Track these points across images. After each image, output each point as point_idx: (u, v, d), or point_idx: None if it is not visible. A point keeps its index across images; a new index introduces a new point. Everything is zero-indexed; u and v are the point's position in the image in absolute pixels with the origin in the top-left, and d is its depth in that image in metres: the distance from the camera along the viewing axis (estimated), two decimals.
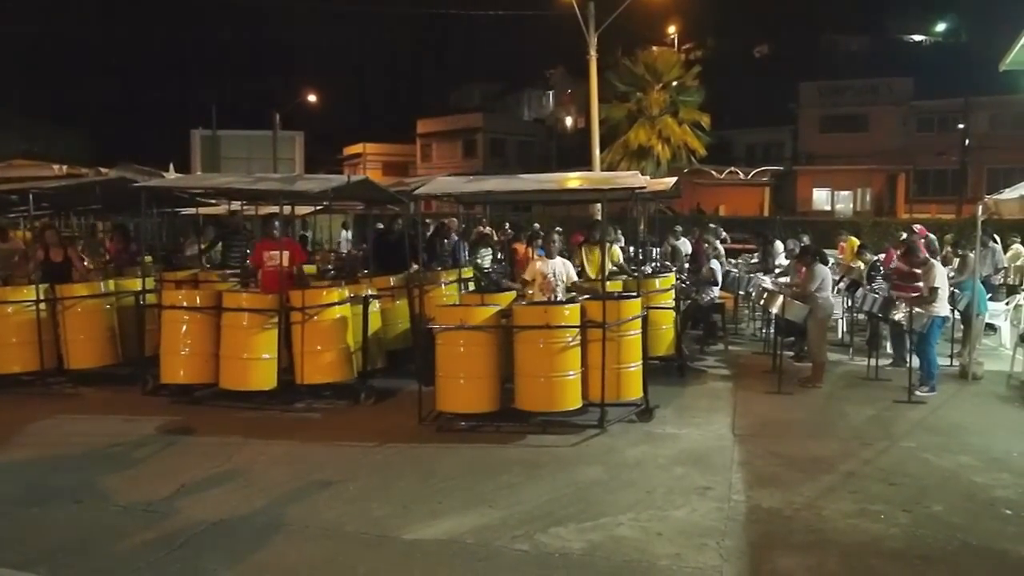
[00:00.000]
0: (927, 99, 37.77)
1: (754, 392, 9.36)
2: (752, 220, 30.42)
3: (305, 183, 9.86)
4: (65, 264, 10.30)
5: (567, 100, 53.29)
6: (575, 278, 9.31)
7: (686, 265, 13.76)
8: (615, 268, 11.12)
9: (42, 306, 9.40)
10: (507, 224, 19.08)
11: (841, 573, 4.85)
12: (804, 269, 10.19)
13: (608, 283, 8.67)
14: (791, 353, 10.98)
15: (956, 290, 10.71)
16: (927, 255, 9.84)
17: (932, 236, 14.29)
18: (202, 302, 8.87)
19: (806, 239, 12.51)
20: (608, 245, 10.85)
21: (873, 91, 39.86)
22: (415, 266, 10.18)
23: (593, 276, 10.18)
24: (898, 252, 11.41)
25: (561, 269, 9.13)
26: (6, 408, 8.62)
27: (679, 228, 16.77)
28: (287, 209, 10.75)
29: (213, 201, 13.06)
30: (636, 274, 9.84)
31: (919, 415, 8.35)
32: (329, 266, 15.09)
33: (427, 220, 17.28)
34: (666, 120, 30.14)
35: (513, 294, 9.24)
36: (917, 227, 11.55)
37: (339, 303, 8.84)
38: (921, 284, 9.69)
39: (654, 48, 31.70)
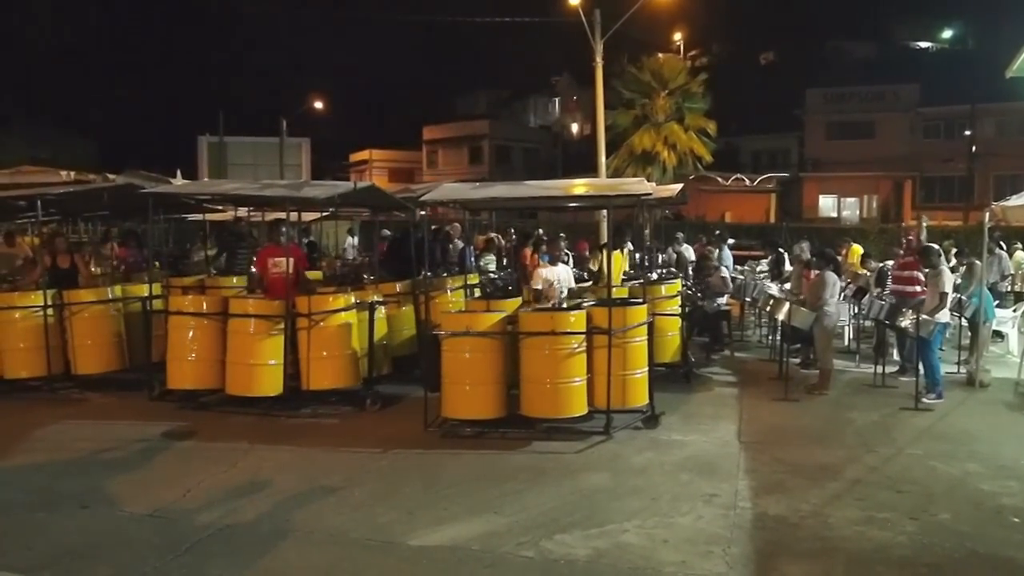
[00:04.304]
0: (933, 106, 37.77)
1: (760, 399, 9.34)
2: (758, 227, 30.39)
3: (311, 189, 9.88)
4: (72, 270, 10.34)
5: (573, 107, 53.34)
6: (573, 284, 9.34)
7: (691, 271, 13.75)
8: (629, 273, 11.16)
9: (49, 312, 9.43)
10: (512, 230, 19.10)
11: None
12: (813, 275, 10.16)
13: (615, 289, 8.67)
14: (797, 360, 10.96)
15: (963, 297, 10.67)
16: (938, 260, 9.79)
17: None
18: (209, 308, 8.90)
19: (805, 246, 12.49)
20: (620, 250, 10.93)
21: (879, 98, 39.86)
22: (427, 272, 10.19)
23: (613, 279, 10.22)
24: (901, 253, 11.43)
25: (564, 276, 9.14)
26: (13, 413, 8.65)
27: (681, 235, 16.75)
28: (293, 216, 10.77)
29: (220, 207, 13.10)
30: (644, 278, 9.84)
31: (926, 422, 8.32)
32: (336, 270, 15.10)
33: (433, 226, 17.28)
34: (672, 126, 30.12)
35: (519, 300, 9.24)
36: (911, 235, 11.55)
37: (345, 309, 8.86)
38: (919, 288, 9.70)
39: (660, 55, 31.71)
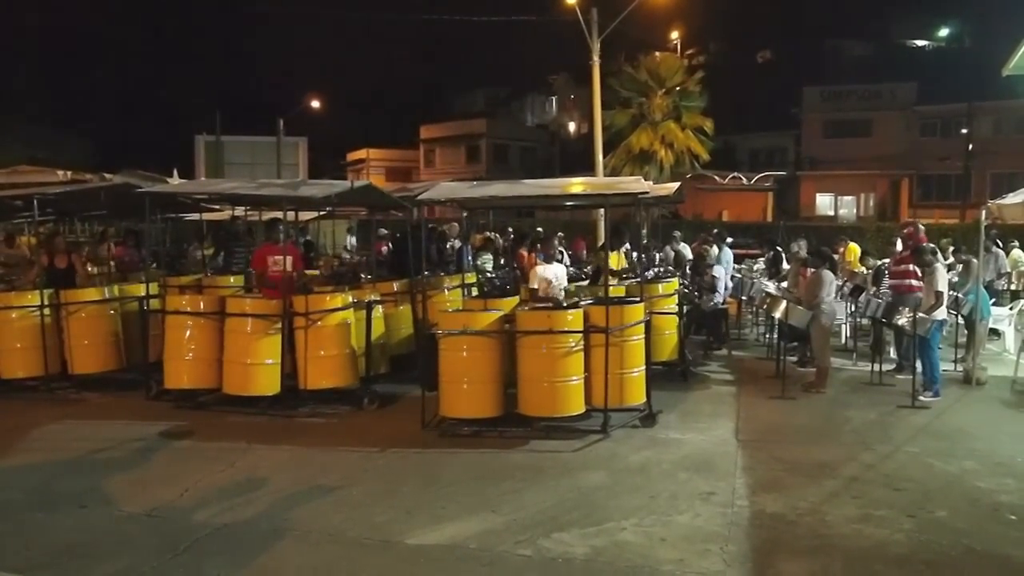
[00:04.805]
0: (930, 104, 37.80)
1: (758, 397, 9.35)
2: (755, 225, 30.43)
3: (308, 188, 9.87)
4: (69, 270, 10.34)
5: (570, 106, 53.33)
6: (565, 283, 9.38)
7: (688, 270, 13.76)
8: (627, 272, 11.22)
9: (46, 311, 9.42)
10: (509, 229, 19.08)
11: None
12: (810, 273, 10.18)
13: (611, 288, 8.69)
14: (794, 358, 10.97)
15: (960, 295, 10.70)
16: (932, 258, 9.81)
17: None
18: (206, 307, 8.90)
19: (802, 244, 12.52)
20: (618, 251, 11.00)
21: (876, 96, 39.89)
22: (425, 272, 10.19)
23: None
24: (897, 252, 11.46)
25: (560, 274, 9.16)
26: (11, 413, 8.64)
27: (678, 233, 16.77)
28: (291, 215, 10.76)
29: (217, 207, 13.10)
30: (641, 277, 9.86)
31: (923, 420, 8.34)
32: (333, 269, 15.10)
33: (431, 225, 17.30)
34: (669, 125, 30.10)
35: (516, 299, 9.25)
36: (907, 230, 11.57)
37: (342, 308, 8.86)
38: (915, 283, 9.73)
39: (657, 53, 31.64)
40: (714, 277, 12.41)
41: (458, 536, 5.39)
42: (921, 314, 9.09)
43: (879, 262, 13.11)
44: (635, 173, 26.94)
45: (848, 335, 12.36)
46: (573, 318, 7.73)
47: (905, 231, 11.88)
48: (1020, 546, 5.26)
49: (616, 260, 11.56)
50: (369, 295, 9.47)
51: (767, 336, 12.51)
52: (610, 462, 6.92)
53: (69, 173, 13.00)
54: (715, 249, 14.59)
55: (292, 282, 9.05)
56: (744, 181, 38.13)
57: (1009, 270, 14.87)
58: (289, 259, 9.01)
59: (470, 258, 13.49)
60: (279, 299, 8.62)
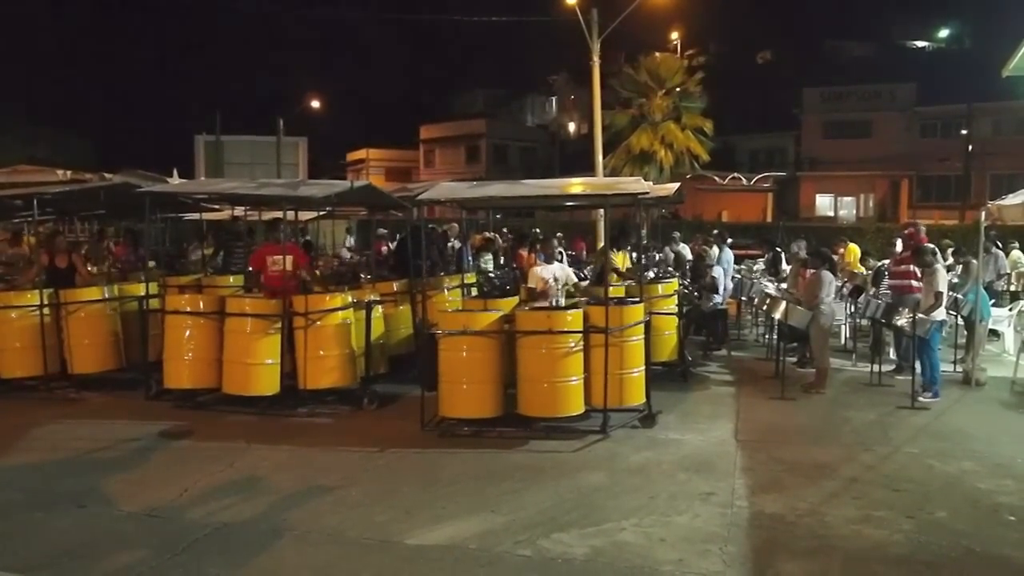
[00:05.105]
0: (930, 105, 37.81)
1: (757, 398, 9.35)
2: (755, 226, 30.44)
3: (308, 188, 9.87)
4: (69, 270, 10.32)
5: (570, 106, 53.38)
6: (574, 280, 9.38)
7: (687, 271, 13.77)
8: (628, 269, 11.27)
9: (46, 311, 9.41)
10: (505, 229, 19.07)
11: None
12: (810, 273, 10.18)
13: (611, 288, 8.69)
14: (794, 359, 10.97)
15: (959, 296, 10.69)
16: (932, 259, 9.82)
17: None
18: (205, 307, 8.89)
19: (802, 244, 12.50)
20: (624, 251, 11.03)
21: (876, 97, 39.91)
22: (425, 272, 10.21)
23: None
24: (897, 252, 11.47)
25: (560, 274, 9.16)
26: (10, 412, 8.63)
27: (678, 234, 16.77)
28: (290, 215, 10.76)
29: (217, 207, 13.10)
30: (641, 277, 9.86)
31: (922, 421, 8.33)
32: (333, 269, 15.11)
33: (431, 225, 17.31)
34: (669, 126, 30.13)
35: (516, 299, 9.25)
36: (908, 231, 11.58)
37: (342, 308, 8.85)
38: (915, 284, 9.74)
39: (657, 54, 31.68)
40: (714, 278, 12.42)
41: (457, 536, 5.39)
42: (920, 315, 9.09)
43: (879, 263, 13.12)
44: (635, 174, 26.94)
45: (848, 336, 12.36)
46: (573, 318, 7.73)
47: (906, 232, 11.89)
48: (1020, 547, 5.26)
49: (622, 260, 11.58)
50: (369, 295, 9.47)
51: (767, 337, 12.51)
52: (610, 462, 6.92)
53: (69, 173, 13.00)
54: (715, 250, 14.61)
55: (296, 280, 9.05)
56: (744, 182, 38.16)
57: (1009, 271, 14.85)
58: (289, 259, 9.01)
59: (470, 258, 13.49)
60: (282, 297, 8.62)
